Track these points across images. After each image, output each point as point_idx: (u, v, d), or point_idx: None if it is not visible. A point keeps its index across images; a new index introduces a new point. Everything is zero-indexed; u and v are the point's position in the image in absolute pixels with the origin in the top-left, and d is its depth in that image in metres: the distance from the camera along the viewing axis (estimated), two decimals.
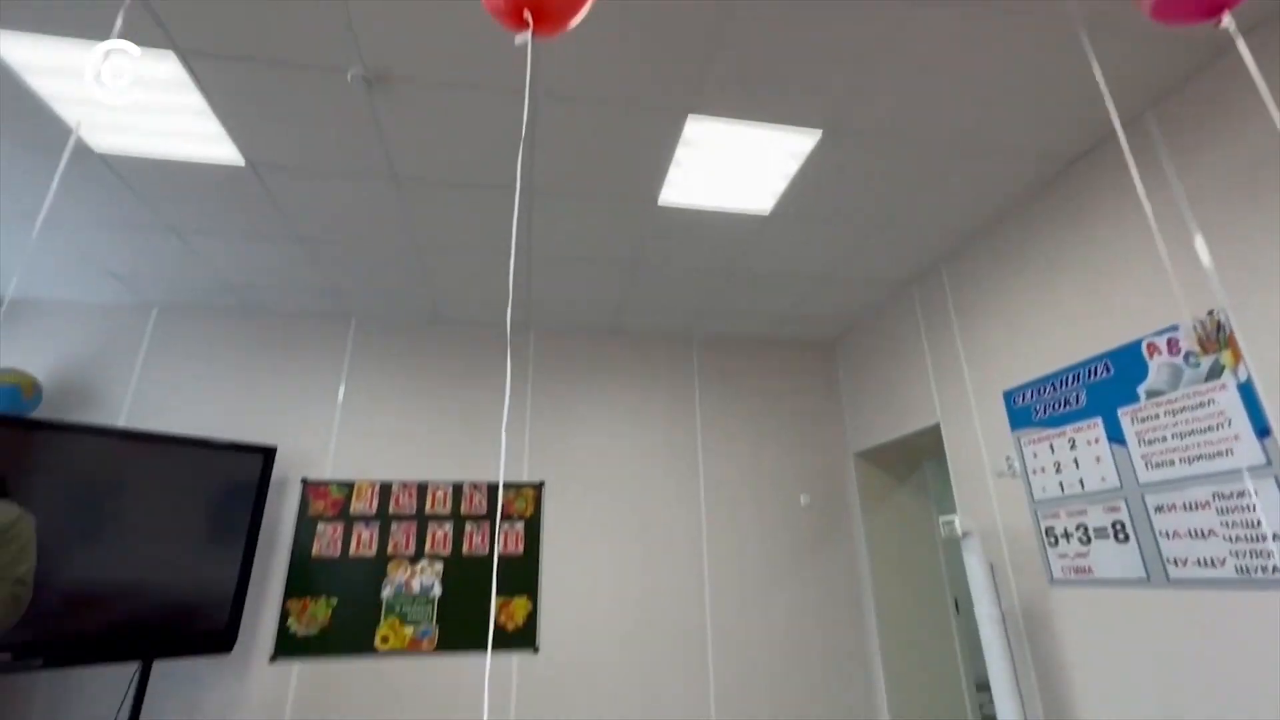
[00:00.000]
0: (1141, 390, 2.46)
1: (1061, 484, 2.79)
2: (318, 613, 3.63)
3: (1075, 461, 2.73)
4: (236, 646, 3.39)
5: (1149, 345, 2.44)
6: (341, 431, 4.05)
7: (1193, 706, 2.20)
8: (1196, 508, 2.22)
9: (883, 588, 4.21)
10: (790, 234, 3.40)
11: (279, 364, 4.12)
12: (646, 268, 3.73)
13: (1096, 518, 2.60)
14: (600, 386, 4.49)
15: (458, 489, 4.02)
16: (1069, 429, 2.77)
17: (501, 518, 4.01)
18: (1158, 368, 2.39)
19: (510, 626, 3.79)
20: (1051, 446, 2.85)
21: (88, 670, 3.30)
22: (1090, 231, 2.75)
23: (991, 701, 4.49)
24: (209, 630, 3.27)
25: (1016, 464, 3.04)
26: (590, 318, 4.43)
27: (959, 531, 2.86)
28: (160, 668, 3.27)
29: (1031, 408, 2.98)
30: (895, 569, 4.27)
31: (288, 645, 3.55)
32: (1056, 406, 2.84)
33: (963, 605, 4.28)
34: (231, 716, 3.40)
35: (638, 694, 3.80)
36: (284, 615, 3.61)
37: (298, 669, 3.53)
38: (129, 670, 3.12)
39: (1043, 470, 2.90)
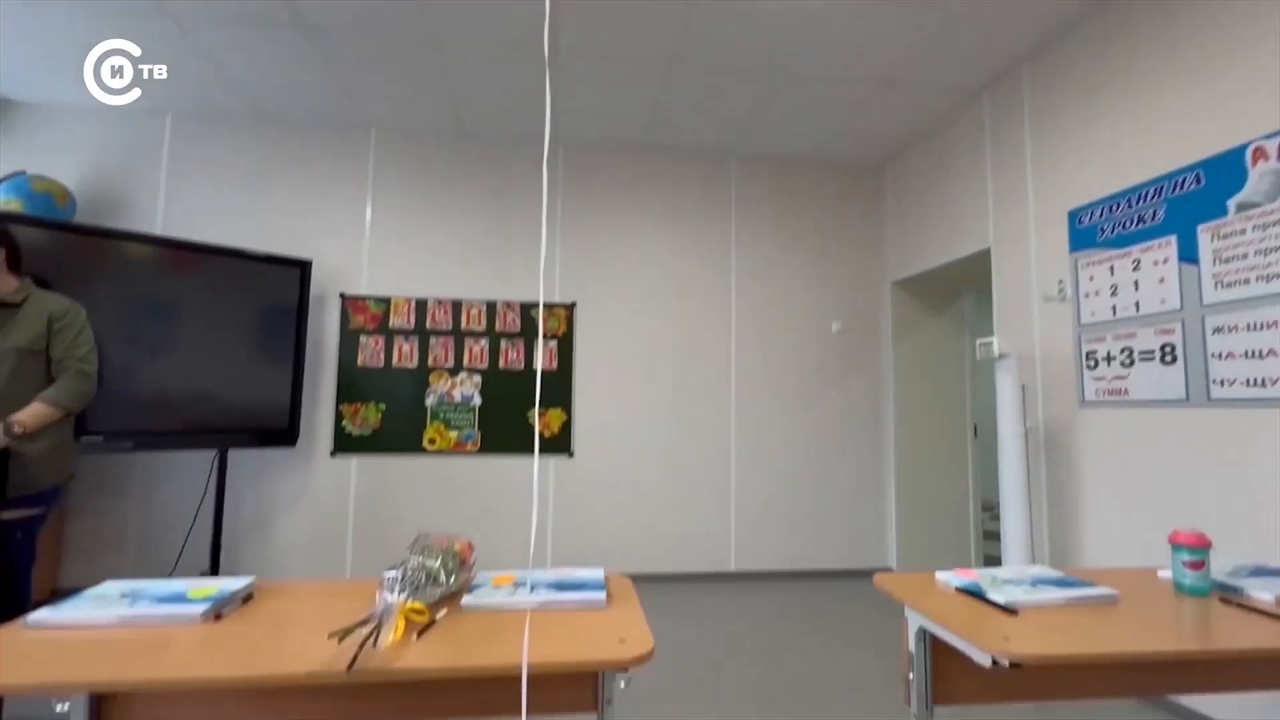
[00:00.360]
0: (1231, 204, 2.22)
1: (1114, 307, 2.67)
2: (369, 416, 3.92)
3: (1135, 284, 2.58)
4: (300, 442, 3.71)
5: (1255, 150, 2.15)
6: (373, 248, 4.04)
7: (1203, 515, 2.28)
8: (1261, 328, 2.10)
9: (904, 413, 4.32)
10: (851, 20, 2.96)
11: (303, 178, 4.01)
12: (685, 66, 3.35)
13: (1145, 340, 2.51)
14: (633, 206, 4.31)
15: (491, 307, 4.07)
16: (1136, 249, 2.58)
17: (535, 335, 4.10)
18: (1259, 175, 2.14)
19: (547, 434, 4.05)
20: (1112, 268, 2.69)
21: (174, 455, 3.69)
22: (1206, 23, 2.32)
23: (995, 519, 4.82)
24: (273, 428, 3.57)
25: (1068, 288, 2.90)
26: (623, 131, 4.11)
27: (995, 352, 2.83)
28: (237, 457, 3.63)
29: (1098, 227, 2.76)
30: (919, 396, 4.34)
31: (345, 443, 3.89)
32: (1127, 225, 2.62)
33: (981, 430, 4.40)
34: (303, 497, 3.84)
35: (664, 496, 4.14)
36: (338, 417, 3.90)
37: (356, 463, 3.90)
38: (209, 456, 3.47)
39: (1096, 294, 2.76)
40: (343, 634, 1.03)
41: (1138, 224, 2.57)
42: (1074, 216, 2.90)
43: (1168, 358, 2.42)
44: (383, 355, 3.96)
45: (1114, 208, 2.69)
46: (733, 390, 4.28)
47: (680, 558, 4.10)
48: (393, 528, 3.86)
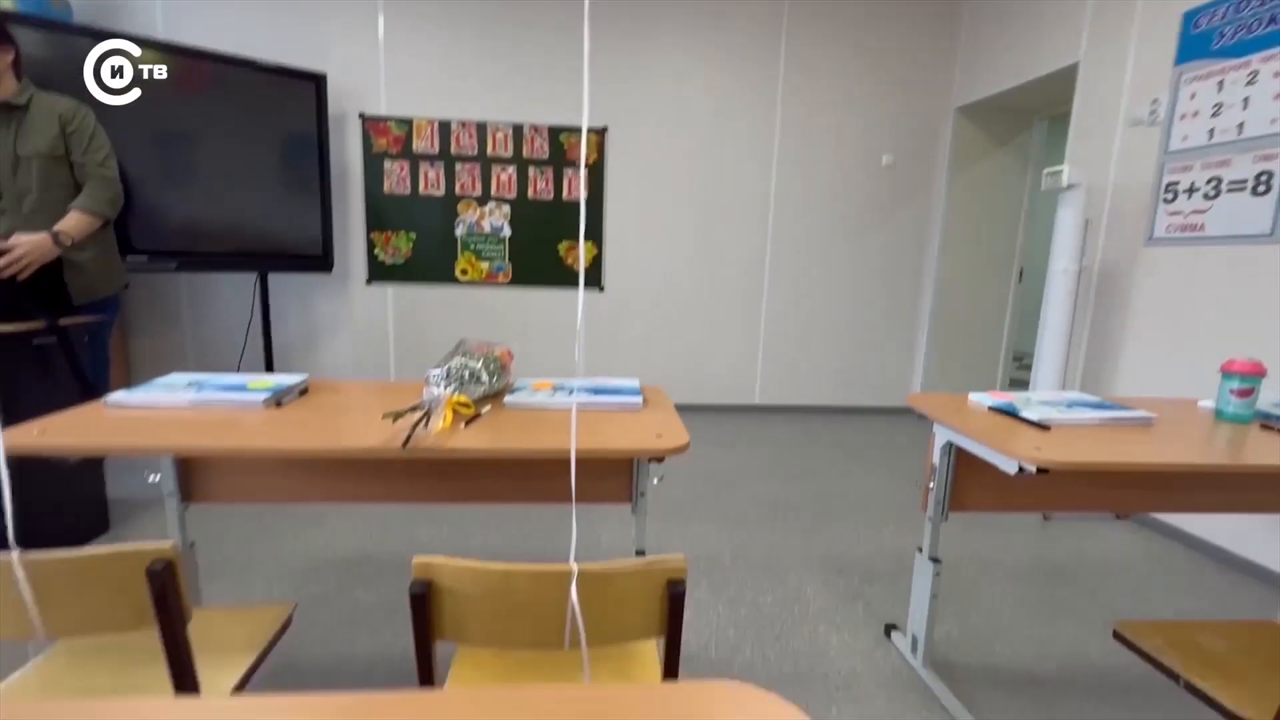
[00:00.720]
0: None
1: (1211, 131, 2.38)
2: (400, 245, 3.91)
3: (1244, 101, 2.26)
4: (336, 269, 3.76)
5: None
6: (389, 62, 3.74)
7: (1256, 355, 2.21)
8: None
9: (949, 254, 4.14)
10: None
11: None
12: None
13: (1240, 168, 2.27)
14: (670, 17, 3.83)
15: (518, 130, 3.84)
16: (1255, 58, 2.23)
17: (564, 163, 3.90)
18: None
19: (578, 268, 4.02)
20: (1220, 83, 2.35)
21: (219, 281, 3.79)
22: None
23: (1024, 368, 4.79)
24: (307, 254, 3.59)
25: (1162, 109, 2.58)
26: None
27: (1064, 182, 2.60)
28: (279, 283, 3.72)
29: (1216, 31, 2.37)
30: (967, 236, 4.12)
31: (379, 271, 3.93)
32: (1254, 27, 2.24)
33: (1028, 275, 4.23)
34: (344, 323, 3.99)
35: (694, 329, 4.19)
36: (370, 245, 3.90)
37: (391, 291, 3.97)
38: (251, 281, 3.56)
39: (1194, 115, 2.45)
40: (395, 415, 1.09)
41: (1268, 25, 2.19)
42: (1189, 19, 2.48)
43: (1261, 188, 2.20)
44: (409, 182, 3.84)
45: (1241, 4, 2.28)
46: (770, 224, 4.11)
47: (706, 390, 4.24)
48: (431, 353, 4.01)
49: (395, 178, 3.83)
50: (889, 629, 1.80)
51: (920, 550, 1.60)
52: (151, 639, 0.80)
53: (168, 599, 0.76)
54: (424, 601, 0.74)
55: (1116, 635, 1.18)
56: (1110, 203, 2.80)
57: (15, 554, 0.74)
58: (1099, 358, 2.86)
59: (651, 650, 1.01)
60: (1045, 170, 2.71)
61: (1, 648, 1.00)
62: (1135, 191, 2.68)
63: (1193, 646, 1.11)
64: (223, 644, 1.00)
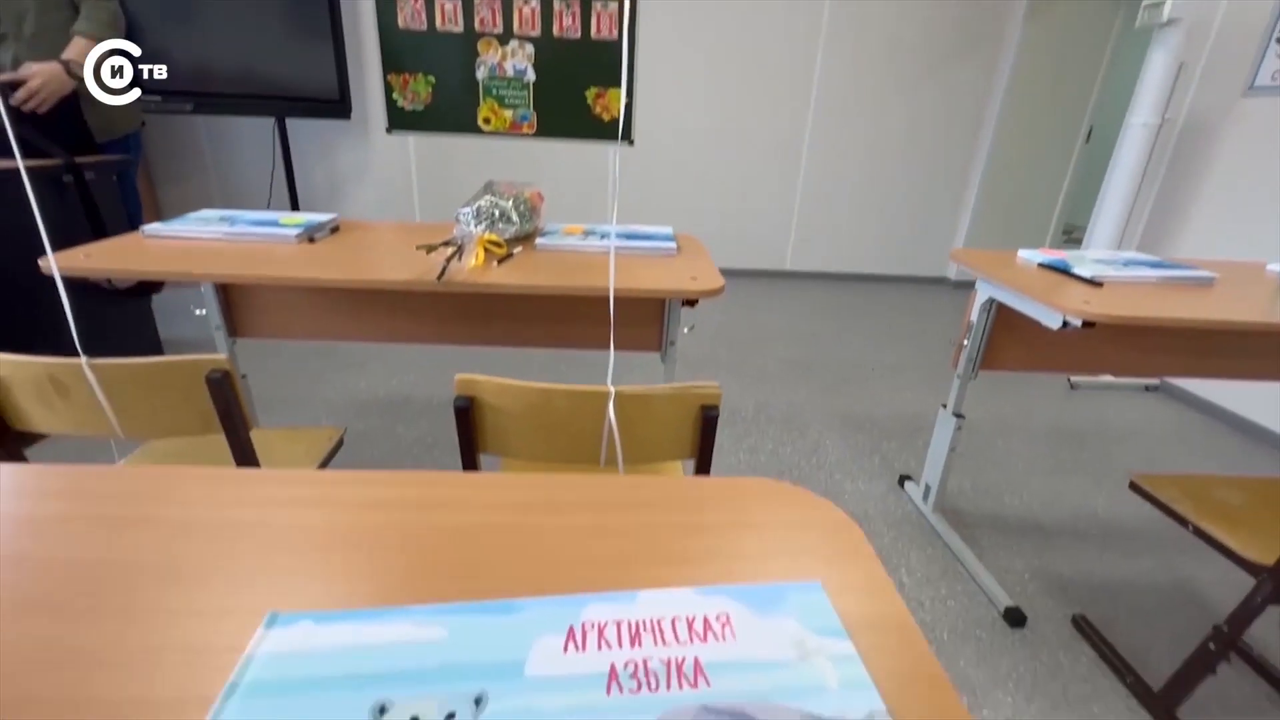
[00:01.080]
0: None
1: None
2: (419, 89, 3.68)
3: None
4: (355, 116, 3.59)
5: None
6: None
7: None
8: None
9: (1012, 108, 3.76)
10: None
11: None
12: None
13: None
14: None
15: None
16: None
17: None
18: None
19: (606, 117, 3.78)
20: None
21: (239, 129, 3.66)
22: None
23: (1073, 242, 4.54)
24: (324, 99, 3.41)
25: None
26: None
27: (1164, 17, 2.27)
28: (300, 132, 3.57)
29: None
30: (1036, 88, 3.72)
31: (399, 118, 3.75)
32: None
33: (1098, 134, 3.86)
34: (367, 173, 3.89)
35: (727, 189, 3.99)
36: (389, 90, 3.68)
37: (413, 141, 3.81)
38: (271, 128, 3.44)
39: None
40: (429, 248, 1.08)
41: None
42: None
43: None
44: (424, 15, 3.53)
45: None
46: (816, 72, 3.74)
47: (736, 253, 4.13)
48: (456, 205, 3.93)
49: (410, 10, 3.52)
50: (903, 479, 1.88)
51: (944, 406, 1.63)
52: (220, 448, 0.87)
53: (229, 404, 0.81)
54: (468, 414, 0.77)
55: (1133, 486, 1.21)
56: (1210, 44, 2.46)
57: (84, 360, 0.79)
58: (1163, 219, 2.68)
59: (680, 471, 1.07)
60: (1145, 2, 2.36)
61: (89, 451, 1.09)
62: (1242, 30, 2.34)
63: (1207, 498, 1.14)
64: (283, 457, 1.09)
